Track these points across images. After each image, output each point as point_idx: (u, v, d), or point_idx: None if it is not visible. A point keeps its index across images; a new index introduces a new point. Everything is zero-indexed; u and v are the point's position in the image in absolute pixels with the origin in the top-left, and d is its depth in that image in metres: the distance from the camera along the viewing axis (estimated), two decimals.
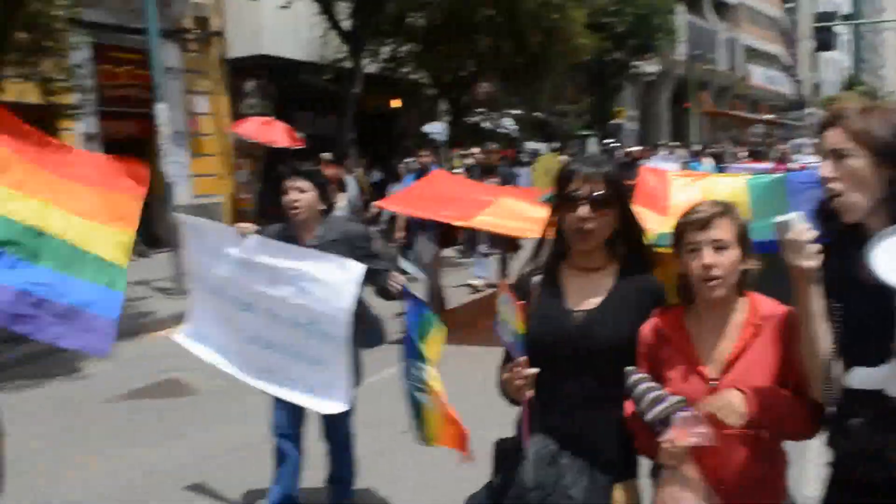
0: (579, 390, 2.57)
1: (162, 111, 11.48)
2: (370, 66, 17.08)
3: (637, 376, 2.48)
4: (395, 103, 21.50)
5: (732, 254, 2.42)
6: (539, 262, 2.77)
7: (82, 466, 5.76)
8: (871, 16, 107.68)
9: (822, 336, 2.21)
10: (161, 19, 12.06)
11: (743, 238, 2.44)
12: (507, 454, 2.69)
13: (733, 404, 2.33)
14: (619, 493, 2.59)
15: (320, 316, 3.94)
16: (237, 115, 17.26)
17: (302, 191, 4.33)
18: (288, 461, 4.53)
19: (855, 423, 2.20)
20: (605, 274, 2.65)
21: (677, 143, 27.91)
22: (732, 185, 8.08)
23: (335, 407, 4.00)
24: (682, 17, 33.13)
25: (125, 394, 7.55)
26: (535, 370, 2.53)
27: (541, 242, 2.76)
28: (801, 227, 2.12)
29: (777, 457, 2.54)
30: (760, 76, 60.78)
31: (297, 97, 18.96)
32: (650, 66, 32.19)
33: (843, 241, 2.18)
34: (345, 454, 4.63)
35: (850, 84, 79.84)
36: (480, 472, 2.83)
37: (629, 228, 2.66)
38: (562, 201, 2.58)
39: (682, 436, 2.33)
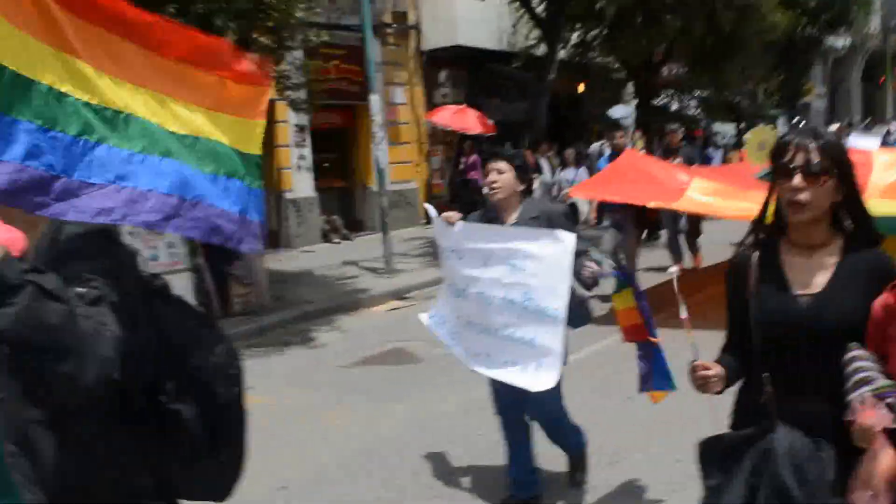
0: (815, 376, 2.46)
1: (375, 102, 12.29)
2: (559, 52, 17.36)
3: (853, 353, 2.38)
4: (581, 88, 21.73)
5: None
6: (754, 241, 2.65)
7: (328, 428, 6.30)
8: None
9: None
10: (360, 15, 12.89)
11: None
12: (720, 453, 2.60)
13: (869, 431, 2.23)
14: None
15: (536, 290, 3.97)
16: (431, 105, 18.02)
17: (501, 172, 4.36)
18: (517, 437, 4.60)
19: None
20: (829, 251, 2.51)
21: (869, 120, 26.67)
22: None
23: (546, 383, 3.98)
24: None
25: (356, 361, 8.23)
26: (713, 371, 2.53)
27: (759, 220, 2.64)
28: None
29: None
30: None
31: (487, 85, 19.52)
32: (840, 41, 30.69)
33: None
34: (561, 424, 4.66)
35: None
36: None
37: (852, 201, 2.50)
38: (776, 173, 2.49)
39: (867, 417, 2.23)
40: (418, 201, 18.06)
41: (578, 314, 4.27)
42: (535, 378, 4.01)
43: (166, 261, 9.48)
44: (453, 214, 4.45)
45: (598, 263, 4.49)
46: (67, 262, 1.87)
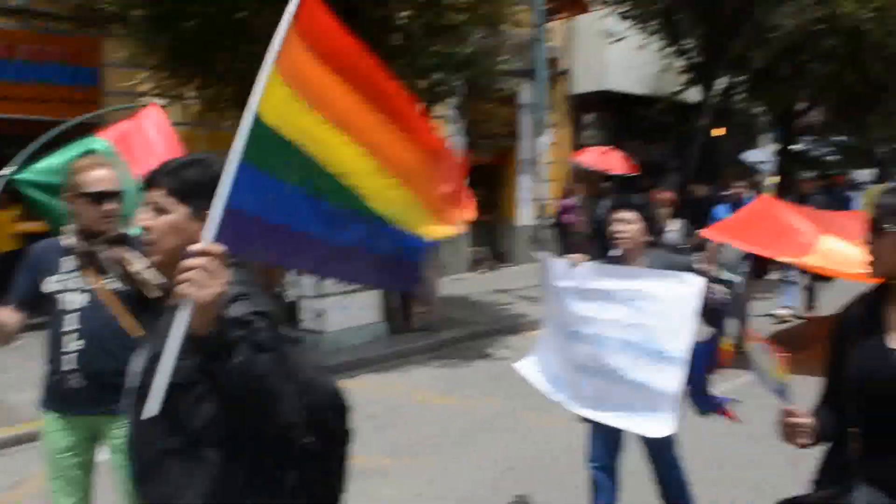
0: None
1: (544, 143, 13.23)
2: (698, 96, 17.98)
3: None
4: (719, 132, 22.15)
5: None
6: (862, 295, 2.64)
7: (536, 428, 7.04)
8: None
9: None
10: (518, 61, 13.90)
11: None
12: None
13: None
14: None
15: (657, 332, 3.80)
16: (577, 146, 18.84)
17: (628, 222, 4.33)
18: (603, 492, 4.57)
19: None
20: None
21: None
22: None
23: (662, 429, 3.78)
24: None
25: None
26: (804, 420, 2.52)
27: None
28: None
29: None
30: None
31: (630, 127, 20.25)
32: None
33: None
34: (673, 478, 4.55)
35: None
36: None
37: None
38: (872, 232, 2.49)
39: None
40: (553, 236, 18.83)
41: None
42: (649, 423, 3.82)
43: None
44: (579, 256, 4.39)
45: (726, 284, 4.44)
46: (232, 304, 1.99)
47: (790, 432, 2.53)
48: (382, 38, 9.31)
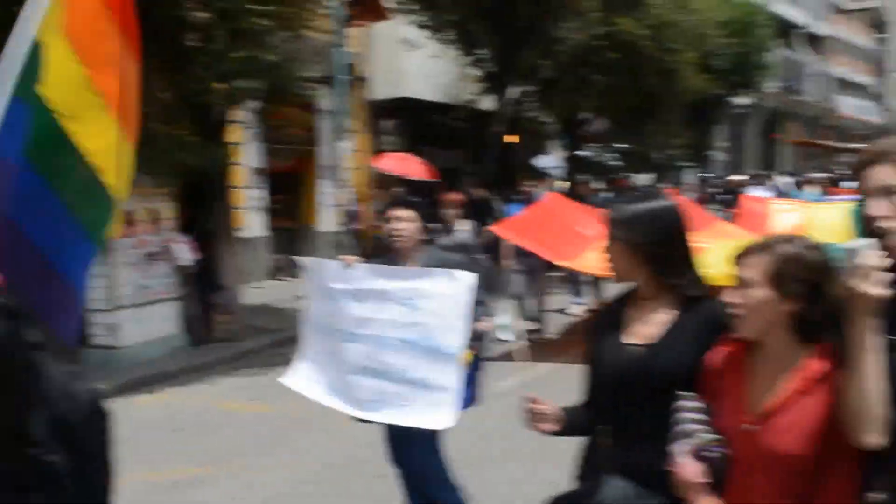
0: (648, 426, 2.49)
1: (343, 148, 13.29)
2: (492, 104, 18.61)
3: (682, 403, 2.40)
4: (511, 139, 23.08)
5: (755, 293, 2.27)
6: (614, 297, 2.79)
7: (348, 428, 7.23)
8: None
9: (872, 372, 2.05)
10: (317, 67, 13.93)
11: (778, 278, 2.24)
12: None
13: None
14: None
15: (434, 330, 3.87)
16: (376, 152, 19.06)
17: (404, 220, 4.39)
18: (413, 487, 4.66)
19: None
20: (665, 304, 2.59)
21: (767, 173, 28.90)
22: (834, 212, 9.09)
23: (442, 422, 3.90)
24: (775, 52, 33.89)
25: None
26: (544, 408, 2.66)
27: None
28: (873, 252, 2.01)
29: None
30: (849, 106, 60.44)
31: (427, 134, 20.69)
32: (741, 99, 33.08)
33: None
34: (438, 477, 4.58)
35: None
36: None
37: (674, 260, 2.58)
38: (607, 239, 2.68)
39: (686, 471, 2.27)
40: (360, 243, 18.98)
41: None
42: (429, 417, 3.90)
43: (159, 290, 10.29)
44: (352, 257, 4.41)
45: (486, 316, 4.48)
46: None
47: (532, 418, 2.66)
48: (178, 37, 9.08)
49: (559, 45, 16.25)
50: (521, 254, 10.32)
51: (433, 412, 3.87)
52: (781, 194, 19.48)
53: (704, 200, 22.31)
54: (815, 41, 54.55)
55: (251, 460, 6.70)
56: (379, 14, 16.70)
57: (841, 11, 60.98)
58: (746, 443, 2.26)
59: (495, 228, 10.61)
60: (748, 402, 2.30)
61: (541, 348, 9.72)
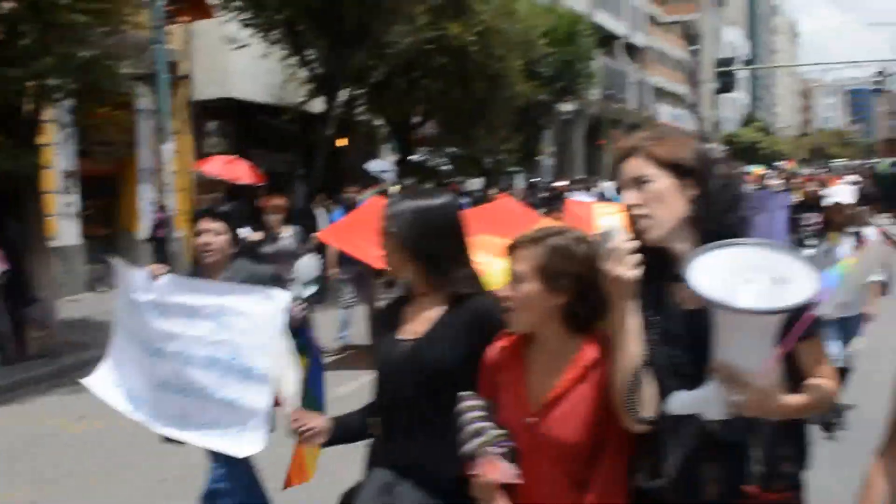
0: (420, 419, 2.55)
1: (166, 151, 12.66)
2: (322, 107, 18.33)
3: (467, 403, 2.39)
4: (342, 142, 22.87)
5: (525, 287, 2.31)
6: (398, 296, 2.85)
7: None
8: (765, 57, 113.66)
9: (634, 352, 2.12)
10: (136, 64, 13.29)
11: (547, 271, 2.29)
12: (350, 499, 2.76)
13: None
14: None
15: (244, 349, 3.61)
16: (200, 154, 18.36)
17: (213, 232, 4.24)
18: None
19: (670, 450, 2.17)
20: (434, 301, 2.63)
21: (592, 178, 30.20)
22: None
23: (251, 448, 3.59)
24: (597, 61, 35.37)
25: None
26: (308, 423, 2.77)
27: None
28: (622, 237, 2.08)
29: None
30: (667, 114, 63.89)
31: (254, 136, 20.16)
32: (566, 106, 34.28)
33: (653, 263, 2.14)
34: (252, 500, 4.49)
35: (747, 121, 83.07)
36: None
37: (443, 257, 2.62)
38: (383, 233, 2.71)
39: (490, 471, 2.27)
40: (184, 250, 18.22)
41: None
42: (237, 442, 3.59)
43: None
44: (160, 267, 4.06)
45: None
46: None
47: (299, 434, 2.75)
48: None
49: (389, 48, 16.18)
50: (347, 260, 10.09)
51: (239, 436, 3.58)
52: (605, 199, 20.36)
53: (531, 205, 22.95)
54: (634, 51, 57.40)
55: (84, 480, 6.42)
56: (202, 11, 16.08)
57: (657, 23, 64.52)
58: (529, 435, 2.30)
59: (320, 234, 10.40)
60: (528, 394, 2.35)
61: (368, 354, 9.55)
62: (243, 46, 15.94)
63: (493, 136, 20.90)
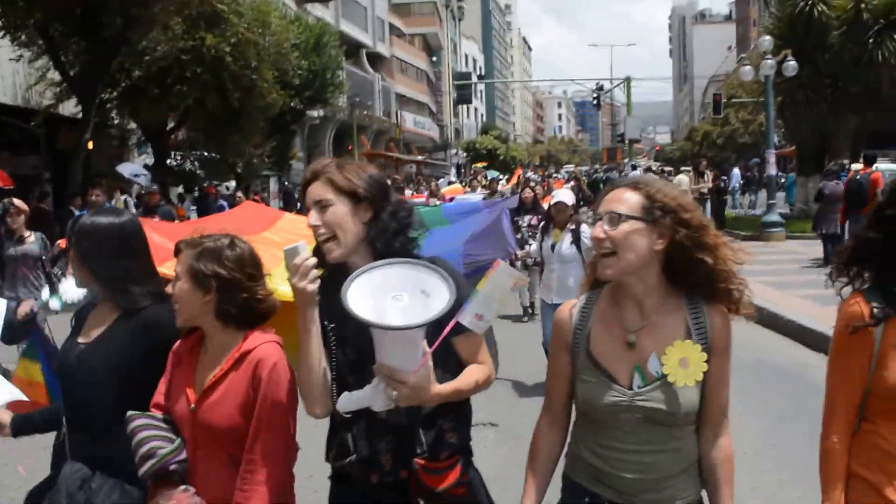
0: (94, 417, 2.67)
1: None
2: (73, 109, 18.19)
3: (135, 424, 2.48)
4: (90, 145, 22.65)
5: (179, 285, 2.49)
6: None
7: None
8: (502, 69, 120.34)
9: (315, 353, 2.37)
10: None
11: (196, 272, 2.47)
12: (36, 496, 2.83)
13: None
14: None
15: None
16: None
17: None
18: None
19: (352, 434, 2.43)
20: (114, 308, 2.75)
21: None
22: None
23: None
24: (345, 70, 36.63)
25: None
26: None
27: None
28: (305, 254, 2.27)
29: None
30: (411, 122, 66.30)
31: (1, 139, 19.63)
32: (315, 112, 35.27)
33: (333, 277, 2.28)
34: None
35: (485, 129, 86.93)
36: None
37: (122, 272, 2.73)
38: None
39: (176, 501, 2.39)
40: None
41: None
42: None
43: None
44: None
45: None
46: None
47: None
48: None
49: (146, 55, 16.64)
50: None
51: None
52: None
53: (287, 206, 23.97)
54: (379, 61, 59.36)
55: None
56: None
57: (401, 35, 66.92)
58: (191, 422, 2.49)
59: (64, 240, 10.01)
60: (193, 385, 2.53)
61: None
62: None
63: (246, 141, 21.63)
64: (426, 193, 20.28)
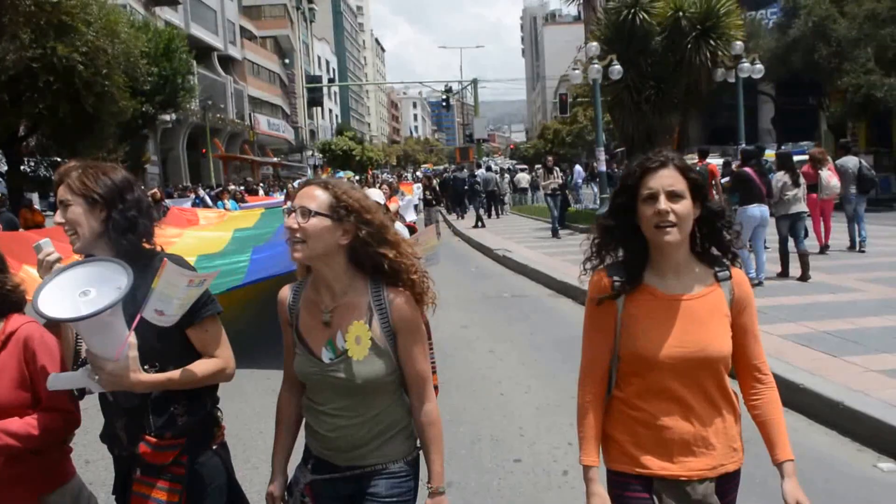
0: None
1: None
2: None
3: None
4: None
5: None
6: None
7: None
8: (355, 71, 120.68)
9: (69, 341, 2.70)
10: None
11: None
12: None
13: None
14: None
15: None
16: None
17: None
18: None
19: (103, 412, 2.69)
20: None
21: (192, 186, 31.67)
22: (249, 214, 11.43)
23: None
24: (197, 73, 36.59)
25: None
26: None
27: None
28: (49, 248, 2.60)
29: (27, 457, 2.69)
30: (265, 124, 66.23)
31: None
32: (167, 116, 35.19)
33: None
34: None
35: (341, 130, 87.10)
36: None
37: None
38: None
39: None
40: None
41: None
42: None
43: None
44: None
45: None
46: None
47: None
48: None
49: None
50: None
51: None
52: (204, 204, 22.16)
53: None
54: (231, 63, 59.08)
55: None
56: None
57: (252, 38, 66.64)
58: None
59: None
60: None
61: None
62: None
63: (99, 146, 21.69)
64: (283, 196, 20.99)
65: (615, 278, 2.46)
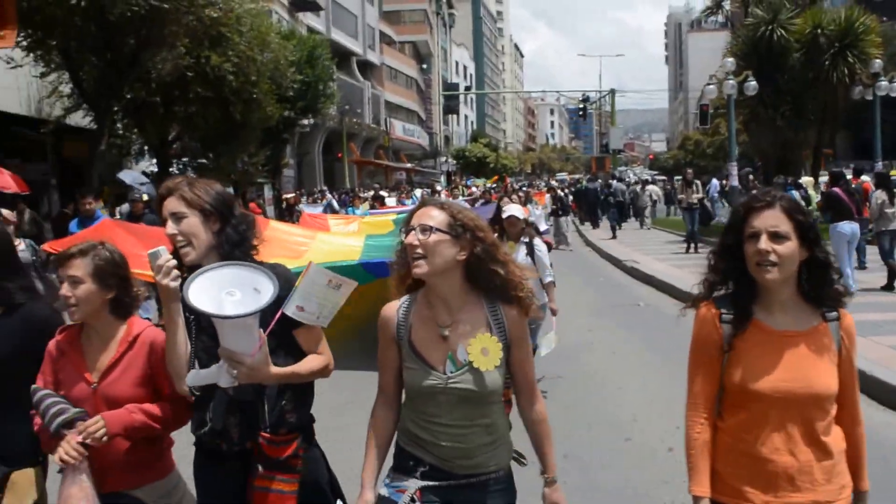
0: None
1: None
2: (79, 120, 19.18)
3: (40, 393, 2.83)
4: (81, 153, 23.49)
5: (86, 288, 2.86)
6: None
7: None
8: (492, 77, 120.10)
9: (180, 340, 2.70)
10: None
11: (98, 276, 2.90)
12: None
13: (91, 430, 2.75)
14: (16, 476, 3.03)
15: None
16: None
17: None
18: None
19: (210, 407, 2.76)
20: None
21: (322, 190, 32.47)
22: (379, 220, 11.48)
23: None
24: (336, 79, 37.38)
25: None
26: None
27: None
28: (166, 256, 2.61)
29: (157, 441, 2.98)
30: (401, 129, 67.01)
31: (7, 146, 20.63)
32: (305, 121, 36.21)
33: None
34: None
35: (475, 136, 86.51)
36: None
37: None
38: None
39: (77, 437, 2.73)
40: None
41: None
42: None
43: None
44: None
45: None
46: None
47: None
48: None
49: (154, 73, 17.74)
50: None
51: None
52: (333, 210, 22.84)
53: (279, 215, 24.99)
54: (369, 69, 60.11)
55: None
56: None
57: (391, 43, 67.65)
58: (93, 398, 2.89)
59: (47, 245, 9.59)
60: (87, 368, 2.92)
61: None
62: (17, 66, 16.47)
63: (243, 150, 22.72)
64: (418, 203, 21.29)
65: (723, 311, 2.53)
